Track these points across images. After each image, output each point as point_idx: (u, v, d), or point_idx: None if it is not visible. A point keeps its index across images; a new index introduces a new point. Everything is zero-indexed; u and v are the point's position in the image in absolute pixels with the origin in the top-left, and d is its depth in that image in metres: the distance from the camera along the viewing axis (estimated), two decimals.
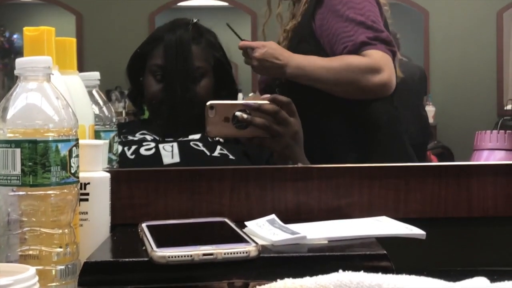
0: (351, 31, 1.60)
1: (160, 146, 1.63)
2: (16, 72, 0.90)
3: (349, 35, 1.60)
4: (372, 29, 1.60)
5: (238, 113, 1.29)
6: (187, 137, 1.66)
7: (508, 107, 6.20)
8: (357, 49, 1.59)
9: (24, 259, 0.87)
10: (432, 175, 1.20)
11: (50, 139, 0.87)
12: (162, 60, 1.69)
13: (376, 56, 1.58)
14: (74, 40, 1.16)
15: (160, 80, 1.69)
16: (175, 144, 1.64)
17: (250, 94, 5.64)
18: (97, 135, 1.24)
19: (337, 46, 1.62)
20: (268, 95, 1.34)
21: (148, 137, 1.68)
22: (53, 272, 0.88)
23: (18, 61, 0.90)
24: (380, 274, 0.78)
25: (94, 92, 1.29)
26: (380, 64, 1.57)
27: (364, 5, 1.63)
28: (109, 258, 0.92)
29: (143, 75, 1.74)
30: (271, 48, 1.64)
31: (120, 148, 1.49)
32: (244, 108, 1.29)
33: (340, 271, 0.78)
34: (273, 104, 1.32)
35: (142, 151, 1.62)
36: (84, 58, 5.83)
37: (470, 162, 1.48)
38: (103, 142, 1.13)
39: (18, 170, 0.86)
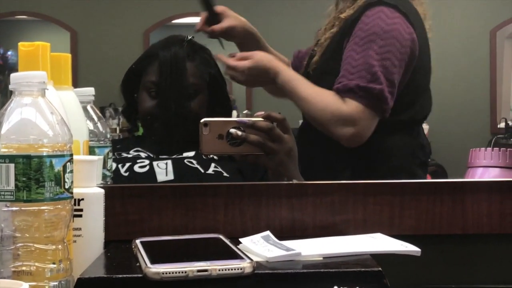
0: (353, 69, 1.55)
1: (154, 163, 1.63)
2: (11, 87, 0.90)
3: (348, 72, 1.56)
4: (370, 78, 1.53)
5: (232, 130, 1.29)
6: (181, 154, 1.66)
7: (502, 125, 6.21)
8: (344, 92, 1.55)
9: (17, 275, 0.87)
10: (427, 192, 1.19)
11: (44, 154, 0.87)
12: (157, 76, 1.69)
13: (353, 108, 1.53)
14: (69, 55, 1.16)
15: (155, 96, 1.69)
16: (169, 162, 1.63)
17: (245, 111, 5.66)
18: (91, 151, 1.23)
19: (339, 75, 1.59)
20: (262, 113, 1.34)
21: (142, 154, 1.67)
22: None
23: (13, 76, 0.90)
24: None
25: (88, 107, 1.29)
26: (353, 118, 1.53)
27: (388, 44, 1.56)
28: (103, 274, 0.91)
29: (137, 92, 1.74)
30: (258, 59, 1.60)
31: (114, 165, 1.49)
32: (238, 125, 1.30)
33: (336, 287, 0.78)
34: (267, 121, 1.32)
35: (136, 168, 1.62)
36: (79, 75, 5.83)
37: (465, 179, 1.48)
38: (98, 158, 1.13)
39: (12, 186, 0.86)
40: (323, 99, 1.56)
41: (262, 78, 1.60)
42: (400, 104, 1.61)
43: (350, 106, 1.53)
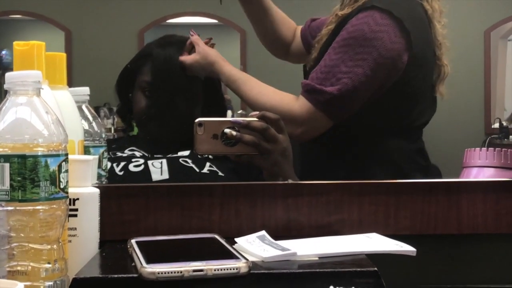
0: (323, 68, 1.55)
1: (149, 162, 1.63)
2: (5, 86, 0.89)
3: (318, 71, 1.56)
4: (332, 82, 1.52)
5: (227, 130, 1.29)
6: (176, 153, 1.66)
7: (496, 125, 6.23)
8: (303, 90, 1.56)
9: (12, 275, 0.86)
10: (422, 192, 1.20)
11: (40, 154, 0.87)
12: (151, 76, 1.69)
13: (303, 108, 1.54)
14: (64, 55, 1.16)
15: (149, 96, 1.69)
16: (164, 161, 1.63)
17: (240, 111, 5.65)
18: (86, 150, 1.23)
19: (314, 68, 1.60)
20: (257, 113, 1.34)
21: (137, 154, 1.67)
22: None
23: (8, 75, 0.89)
24: None
25: (83, 107, 1.29)
26: (302, 118, 1.54)
27: (365, 52, 1.53)
28: (98, 274, 0.91)
29: (132, 92, 1.74)
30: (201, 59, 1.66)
31: (109, 164, 1.48)
32: (232, 125, 1.29)
33: (331, 287, 0.77)
34: (262, 121, 1.31)
35: (131, 167, 1.62)
36: (73, 74, 5.82)
37: (460, 179, 1.48)
38: (93, 158, 1.12)
39: (6, 185, 0.86)
40: (273, 98, 1.58)
41: (208, 71, 1.67)
42: (396, 112, 1.61)
43: (301, 106, 1.54)
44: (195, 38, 1.70)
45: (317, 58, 1.66)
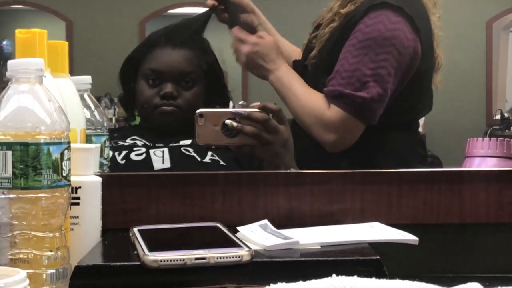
0: (345, 73, 1.52)
1: (151, 151, 1.63)
2: (8, 74, 0.89)
3: (339, 76, 1.53)
4: (358, 86, 1.50)
5: (228, 121, 1.29)
6: (178, 142, 1.66)
7: (497, 116, 6.22)
8: (329, 97, 1.53)
9: (14, 262, 0.86)
10: (425, 181, 1.19)
11: (42, 141, 0.86)
12: (155, 64, 1.69)
13: (335, 115, 1.51)
14: (66, 43, 1.15)
15: (153, 85, 1.69)
16: (165, 150, 1.63)
17: (240, 102, 5.65)
18: (88, 139, 1.23)
19: (332, 74, 1.56)
20: (258, 103, 1.34)
21: (139, 143, 1.67)
22: (44, 276, 0.87)
23: (10, 63, 0.89)
24: (373, 278, 0.78)
25: (85, 96, 1.28)
26: (335, 125, 1.51)
27: (386, 52, 1.51)
28: (101, 262, 0.91)
29: (135, 81, 1.74)
30: (264, 48, 1.60)
31: (110, 153, 1.48)
32: (233, 116, 1.29)
33: (334, 275, 0.77)
34: (263, 112, 1.31)
35: (133, 156, 1.62)
36: (74, 64, 5.81)
37: (463, 169, 1.47)
38: (95, 146, 1.12)
39: (9, 173, 0.85)
40: (311, 101, 1.55)
41: (261, 63, 1.60)
42: (401, 108, 1.60)
43: (333, 113, 1.51)
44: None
45: (320, 56, 1.63)
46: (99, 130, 1.29)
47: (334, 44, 1.59)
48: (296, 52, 1.81)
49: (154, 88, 1.68)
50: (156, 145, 1.65)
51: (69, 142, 0.90)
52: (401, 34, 1.53)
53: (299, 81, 1.59)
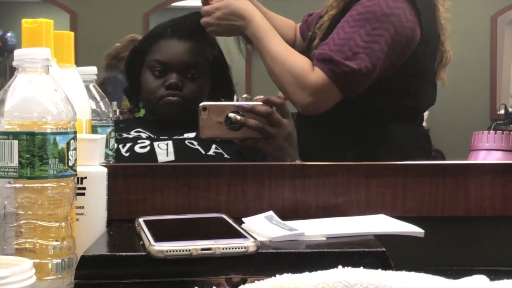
0: (339, 40, 1.50)
1: (155, 144, 1.63)
2: (14, 63, 0.89)
3: (332, 42, 1.51)
4: (349, 55, 1.48)
5: (231, 115, 1.28)
6: (182, 135, 1.66)
7: (501, 111, 6.21)
8: (317, 60, 1.50)
9: (20, 252, 0.86)
10: (430, 174, 1.19)
11: (48, 131, 0.86)
12: (160, 55, 1.68)
13: (318, 79, 1.48)
14: (71, 34, 1.15)
15: (158, 76, 1.69)
16: (170, 142, 1.63)
17: (244, 95, 5.64)
18: (93, 130, 1.23)
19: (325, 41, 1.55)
20: (262, 97, 1.33)
21: (143, 135, 1.67)
22: (49, 265, 0.88)
23: (17, 52, 0.89)
24: (380, 270, 0.77)
25: (91, 86, 1.28)
26: (315, 88, 1.48)
27: (383, 28, 1.49)
28: (107, 252, 0.91)
29: (140, 72, 1.74)
30: (226, 9, 1.56)
31: (115, 145, 1.48)
32: (237, 109, 1.29)
33: (340, 267, 0.77)
34: (266, 105, 1.31)
35: (137, 148, 1.62)
36: (78, 57, 5.80)
37: (468, 161, 1.47)
38: (101, 137, 1.12)
39: (15, 162, 0.86)
40: (292, 59, 1.52)
41: (234, 21, 1.56)
42: (403, 93, 1.59)
43: (316, 76, 1.49)
44: None
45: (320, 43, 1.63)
46: (104, 121, 1.29)
47: (332, 30, 1.58)
48: (290, 28, 1.80)
49: (159, 79, 1.68)
50: (161, 137, 1.65)
51: (75, 132, 0.90)
52: (401, 13, 1.51)
53: (275, 36, 1.56)
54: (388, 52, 1.50)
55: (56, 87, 0.90)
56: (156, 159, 1.60)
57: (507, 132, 1.49)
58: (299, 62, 1.52)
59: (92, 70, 1.29)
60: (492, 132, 1.50)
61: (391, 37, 1.50)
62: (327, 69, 1.48)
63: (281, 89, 1.54)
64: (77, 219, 0.99)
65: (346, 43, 1.49)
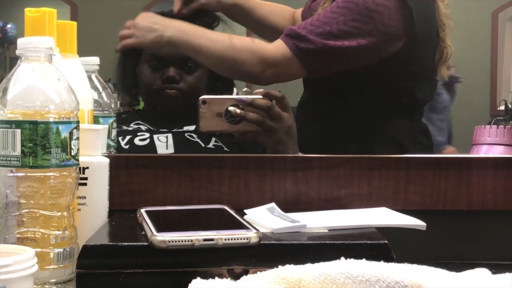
0: (316, 22, 1.47)
1: (155, 136, 1.63)
2: (17, 52, 0.89)
3: (308, 23, 1.48)
4: (318, 32, 1.46)
5: (231, 108, 1.28)
6: (182, 128, 1.66)
7: (501, 107, 6.20)
8: (284, 34, 1.48)
9: (22, 241, 0.86)
10: (432, 167, 1.19)
11: (51, 120, 0.86)
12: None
13: (278, 51, 1.46)
14: (74, 23, 1.15)
15: (155, 69, 1.68)
16: (169, 135, 1.63)
17: (244, 89, 5.63)
18: (95, 120, 1.23)
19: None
20: (262, 90, 1.33)
21: (143, 127, 1.67)
22: (51, 255, 0.88)
23: (20, 41, 0.89)
24: (382, 262, 0.77)
25: (93, 77, 1.28)
26: (275, 61, 1.47)
27: (362, 21, 1.46)
28: (108, 242, 0.91)
29: (138, 65, 1.73)
30: (141, 21, 1.56)
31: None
32: (237, 103, 1.28)
33: (342, 258, 0.77)
34: (266, 99, 1.30)
35: (137, 141, 1.62)
36: (78, 49, 5.79)
37: (471, 155, 1.47)
38: (103, 127, 1.12)
39: (18, 151, 0.85)
40: (242, 40, 1.51)
41: (150, 34, 1.53)
42: (400, 89, 1.58)
43: (277, 49, 1.47)
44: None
45: None
46: (106, 112, 1.29)
47: None
48: (284, 15, 1.81)
49: (157, 72, 1.68)
50: (160, 130, 1.65)
51: (78, 122, 0.90)
52: (385, 11, 1.47)
53: (203, 29, 1.54)
54: (360, 47, 1.47)
55: (59, 76, 0.89)
56: (155, 152, 1.60)
57: (509, 126, 1.49)
58: (249, 40, 1.52)
59: (95, 60, 1.28)
60: (494, 126, 1.50)
61: (369, 33, 1.47)
62: (291, 43, 1.47)
63: (237, 69, 1.52)
64: (79, 209, 0.99)
65: (321, 26, 1.47)
